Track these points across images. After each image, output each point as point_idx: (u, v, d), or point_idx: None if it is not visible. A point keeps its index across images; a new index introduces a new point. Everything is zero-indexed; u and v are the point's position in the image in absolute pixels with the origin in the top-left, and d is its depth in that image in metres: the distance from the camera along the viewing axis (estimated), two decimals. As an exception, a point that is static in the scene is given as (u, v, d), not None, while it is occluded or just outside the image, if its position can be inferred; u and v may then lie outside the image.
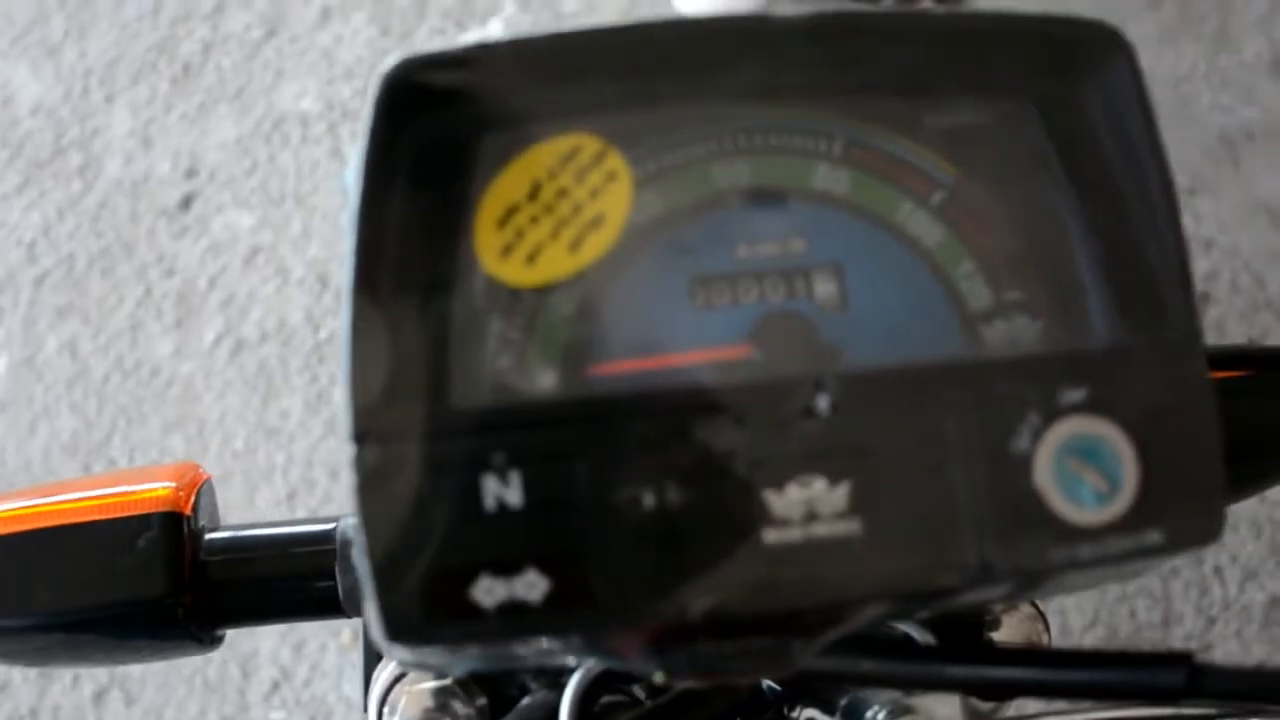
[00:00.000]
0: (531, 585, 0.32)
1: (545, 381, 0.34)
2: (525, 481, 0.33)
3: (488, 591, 0.32)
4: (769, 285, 0.36)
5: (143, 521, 0.48)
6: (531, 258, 0.34)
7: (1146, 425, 0.35)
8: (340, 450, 0.33)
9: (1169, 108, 2.18)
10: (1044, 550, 0.34)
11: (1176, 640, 1.72)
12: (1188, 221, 2.04)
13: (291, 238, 2.10)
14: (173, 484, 0.50)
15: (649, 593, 0.33)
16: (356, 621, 1.55)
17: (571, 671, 0.45)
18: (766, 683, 0.51)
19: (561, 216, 0.35)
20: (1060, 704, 0.50)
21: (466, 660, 0.36)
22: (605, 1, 2.33)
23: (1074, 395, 0.35)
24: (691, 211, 0.36)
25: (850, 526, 0.34)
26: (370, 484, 0.32)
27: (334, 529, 0.51)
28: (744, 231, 0.36)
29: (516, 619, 0.32)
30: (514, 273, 0.34)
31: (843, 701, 0.47)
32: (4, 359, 2.03)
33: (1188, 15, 2.29)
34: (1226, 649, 1.73)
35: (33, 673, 1.77)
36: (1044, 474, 0.35)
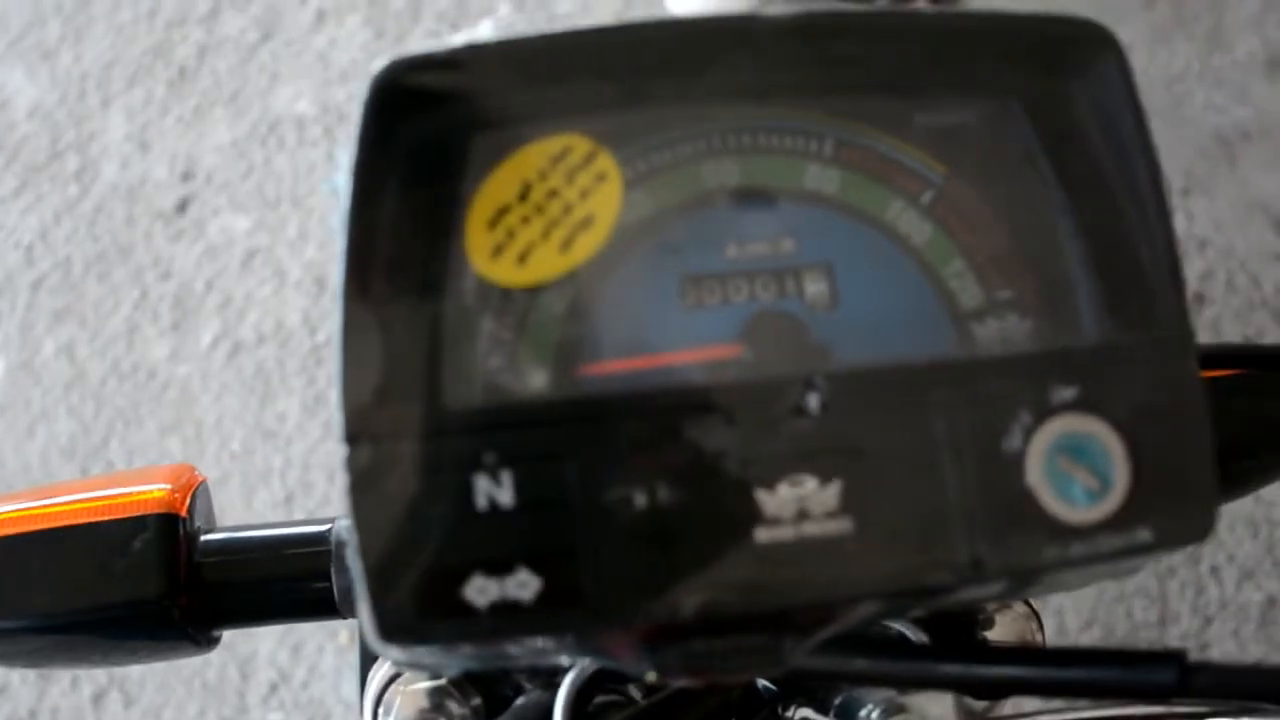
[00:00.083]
0: (523, 584, 0.32)
1: (536, 381, 0.34)
2: (517, 481, 0.33)
3: (480, 591, 0.32)
4: (759, 285, 0.36)
5: (138, 523, 0.48)
6: (522, 258, 0.34)
7: (1137, 423, 0.35)
8: (333, 447, 0.33)
9: (1163, 107, 2.18)
10: (1035, 548, 0.35)
11: (1173, 640, 1.72)
12: (1182, 221, 2.04)
13: (288, 240, 2.10)
14: (168, 486, 0.50)
15: (640, 592, 0.33)
16: (353, 622, 1.55)
17: (565, 671, 0.45)
18: (761, 682, 0.52)
19: (552, 217, 0.35)
20: (1055, 703, 0.50)
21: (460, 660, 0.36)
22: (600, 3, 2.34)
23: (1065, 394, 0.35)
24: (681, 211, 0.36)
25: (841, 525, 0.34)
26: (363, 484, 0.32)
27: (329, 530, 0.51)
28: (734, 231, 0.36)
29: (509, 618, 0.32)
30: (505, 273, 0.34)
31: (836, 700, 0.47)
32: (1, 362, 2.03)
33: (1181, 15, 2.30)
34: (1223, 649, 1.73)
35: (31, 675, 1.77)
36: (1035, 472, 0.35)
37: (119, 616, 0.48)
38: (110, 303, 2.07)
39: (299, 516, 1.88)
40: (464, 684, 0.48)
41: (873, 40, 0.36)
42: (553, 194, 0.35)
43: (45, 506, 0.49)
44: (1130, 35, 2.27)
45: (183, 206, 2.16)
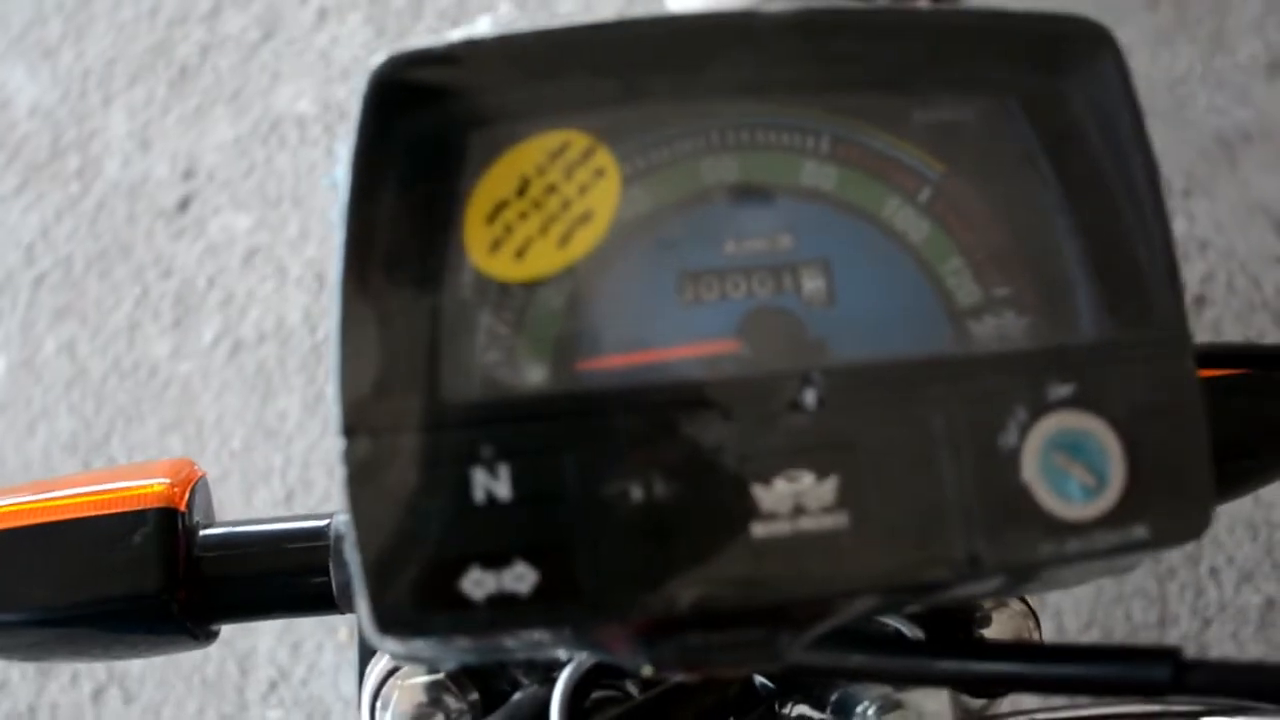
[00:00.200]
0: (520, 577, 0.32)
1: (534, 376, 0.34)
2: (514, 475, 0.33)
3: (477, 583, 0.32)
4: (757, 281, 0.36)
5: (138, 517, 0.48)
6: (520, 253, 0.35)
7: (1133, 421, 0.36)
8: (332, 443, 0.33)
9: (1164, 109, 2.18)
10: (1031, 545, 0.35)
11: (1172, 642, 1.72)
12: (1183, 223, 2.04)
13: (289, 238, 2.10)
14: (168, 480, 0.50)
15: (637, 585, 0.33)
16: (352, 619, 1.55)
17: (562, 666, 0.45)
18: (758, 679, 0.52)
19: (550, 212, 0.35)
20: (1053, 701, 0.50)
21: (457, 653, 0.37)
22: (602, 1, 2.34)
23: (1061, 390, 0.35)
24: (679, 207, 0.36)
25: (838, 520, 0.34)
26: (360, 477, 0.32)
27: (328, 525, 0.51)
28: (732, 227, 0.36)
29: (505, 611, 0.32)
30: (503, 268, 0.34)
31: (833, 697, 0.47)
32: (3, 360, 2.03)
33: (1184, 17, 2.30)
34: (1222, 650, 1.73)
35: (31, 670, 1.77)
36: (1031, 469, 0.35)
37: (118, 610, 0.48)
38: (111, 300, 2.07)
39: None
40: (461, 679, 0.49)
41: (871, 37, 0.36)
42: (551, 189, 0.35)
43: (45, 500, 0.49)
44: (1132, 37, 2.28)
45: (184, 205, 2.16)
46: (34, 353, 2.03)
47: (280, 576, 0.51)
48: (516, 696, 0.47)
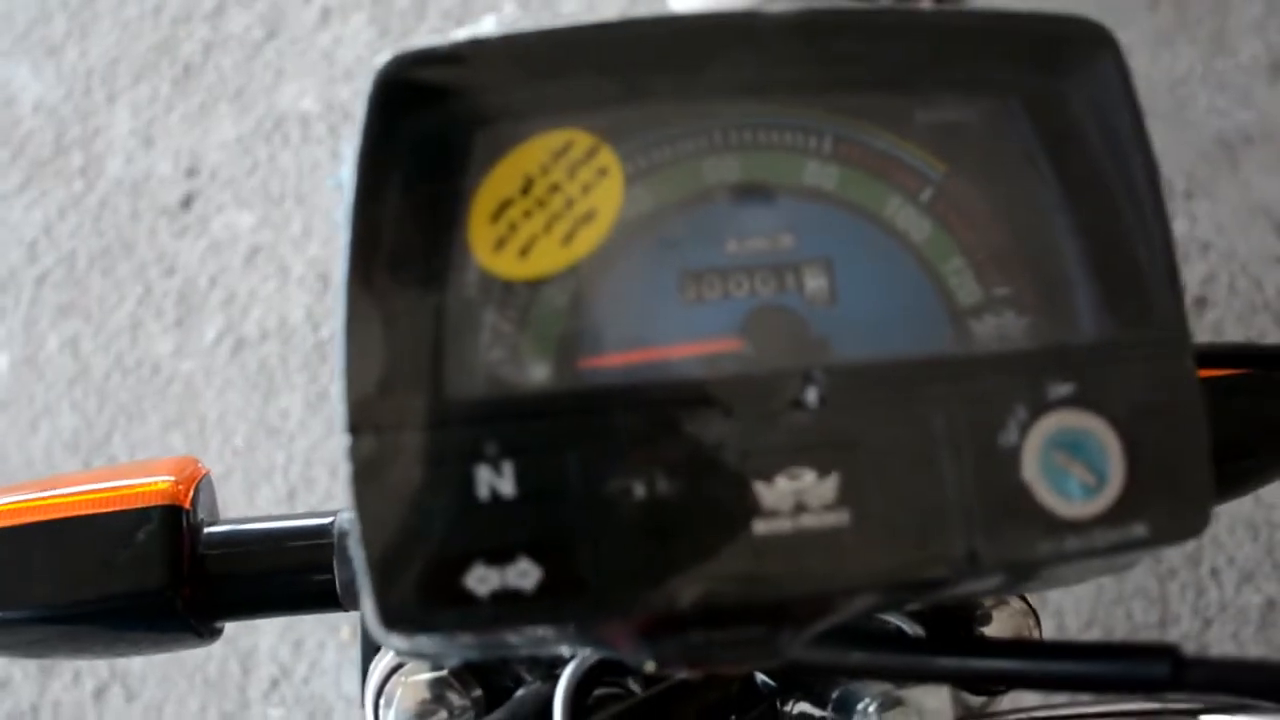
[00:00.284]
0: (524, 574, 0.33)
1: (538, 374, 0.34)
2: (518, 472, 0.33)
3: (481, 580, 0.32)
4: (759, 280, 0.36)
5: (142, 515, 0.48)
6: (524, 251, 0.35)
7: (1133, 420, 0.36)
8: (336, 441, 0.33)
9: (1165, 110, 2.18)
10: (1031, 542, 0.35)
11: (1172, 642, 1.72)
12: (1184, 224, 2.04)
13: (292, 237, 2.11)
14: (172, 478, 0.50)
15: (640, 582, 0.33)
16: (355, 617, 1.55)
17: (565, 663, 0.45)
18: (759, 677, 0.52)
19: (554, 211, 0.35)
20: (1056, 699, 0.50)
21: (461, 649, 0.37)
22: (604, 1, 2.34)
23: (1061, 390, 0.36)
24: (682, 206, 0.36)
25: (839, 518, 0.34)
26: (365, 474, 0.33)
27: (331, 523, 0.52)
28: (734, 226, 0.36)
29: (509, 607, 0.33)
30: (507, 266, 0.35)
31: (834, 694, 0.47)
32: (6, 357, 2.03)
33: (1184, 18, 2.30)
34: (1223, 650, 1.74)
35: (33, 669, 1.77)
36: (1031, 467, 0.35)
37: (122, 607, 0.48)
38: (114, 298, 2.07)
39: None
40: (464, 675, 0.49)
41: (873, 38, 0.37)
42: (555, 188, 0.35)
43: (50, 498, 0.50)
44: (1133, 37, 2.28)
45: (187, 202, 2.16)
46: (37, 350, 2.04)
47: (284, 574, 0.52)
48: (519, 693, 0.48)
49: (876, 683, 0.45)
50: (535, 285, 0.35)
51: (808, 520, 0.34)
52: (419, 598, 0.33)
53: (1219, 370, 0.52)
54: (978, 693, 0.51)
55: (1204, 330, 2.01)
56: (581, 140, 0.35)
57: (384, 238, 0.33)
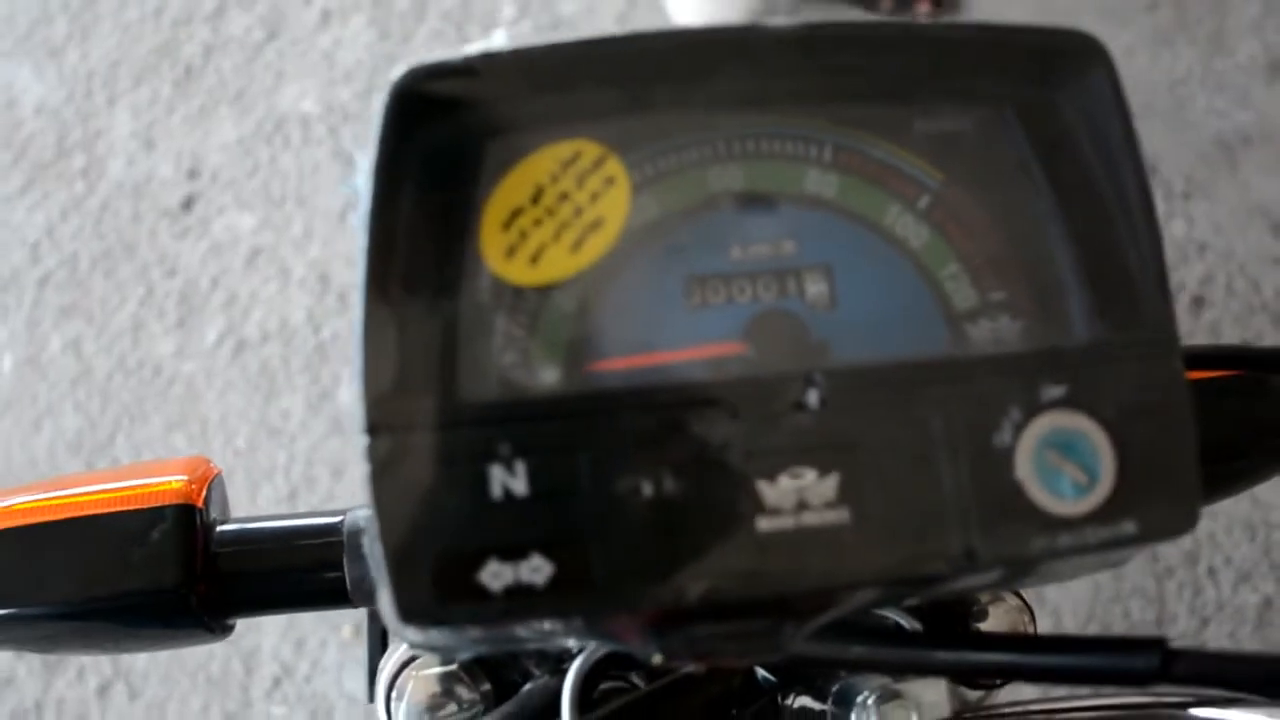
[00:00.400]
0: (536, 569, 0.34)
1: (548, 377, 0.35)
2: (530, 471, 0.34)
3: (495, 575, 0.33)
4: (762, 285, 0.37)
5: (157, 514, 0.49)
6: (535, 258, 0.36)
7: (1123, 421, 0.37)
8: (352, 443, 0.34)
9: (1164, 110, 2.19)
10: (1025, 539, 0.36)
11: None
12: (1182, 225, 2.05)
13: (293, 238, 2.11)
14: (185, 477, 0.51)
15: (647, 577, 0.34)
16: (358, 616, 1.55)
17: (572, 657, 0.46)
18: (760, 672, 0.53)
19: (563, 219, 0.36)
20: (1054, 692, 0.51)
21: (474, 642, 0.38)
22: (603, 4, 2.35)
23: (1054, 391, 0.37)
24: (687, 214, 0.37)
25: (839, 515, 0.35)
26: (382, 473, 0.33)
27: (341, 522, 0.52)
28: (738, 234, 0.37)
29: (522, 601, 0.34)
30: (518, 272, 0.36)
31: (834, 688, 0.48)
32: (9, 358, 2.04)
33: (1183, 18, 2.30)
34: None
35: (37, 666, 1.78)
36: (1025, 467, 0.36)
37: (137, 604, 0.49)
38: (116, 299, 2.08)
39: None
40: (474, 669, 0.49)
41: (872, 51, 0.38)
42: (564, 197, 0.36)
43: (65, 497, 0.50)
44: (1132, 38, 2.28)
45: (188, 204, 2.17)
46: (39, 350, 2.04)
47: (295, 572, 0.52)
48: (527, 687, 0.48)
49: (875, 676, 0.46)
50: (545, 291, 0.36)
51: (809, 518, 0.35)
52: (435, 592, 0.33)
53: (1212, 372, 0.53)
54: (974, 687, 0.52)
55: (1201, 331, 2.01)
56: (589, 150, 0.36)
57: (399, 245, 0.34)
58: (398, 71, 0.34)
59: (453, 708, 0.49)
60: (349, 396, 1.96)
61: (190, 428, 1.96)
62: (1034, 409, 0.36)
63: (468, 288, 0.35)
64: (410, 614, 0.34)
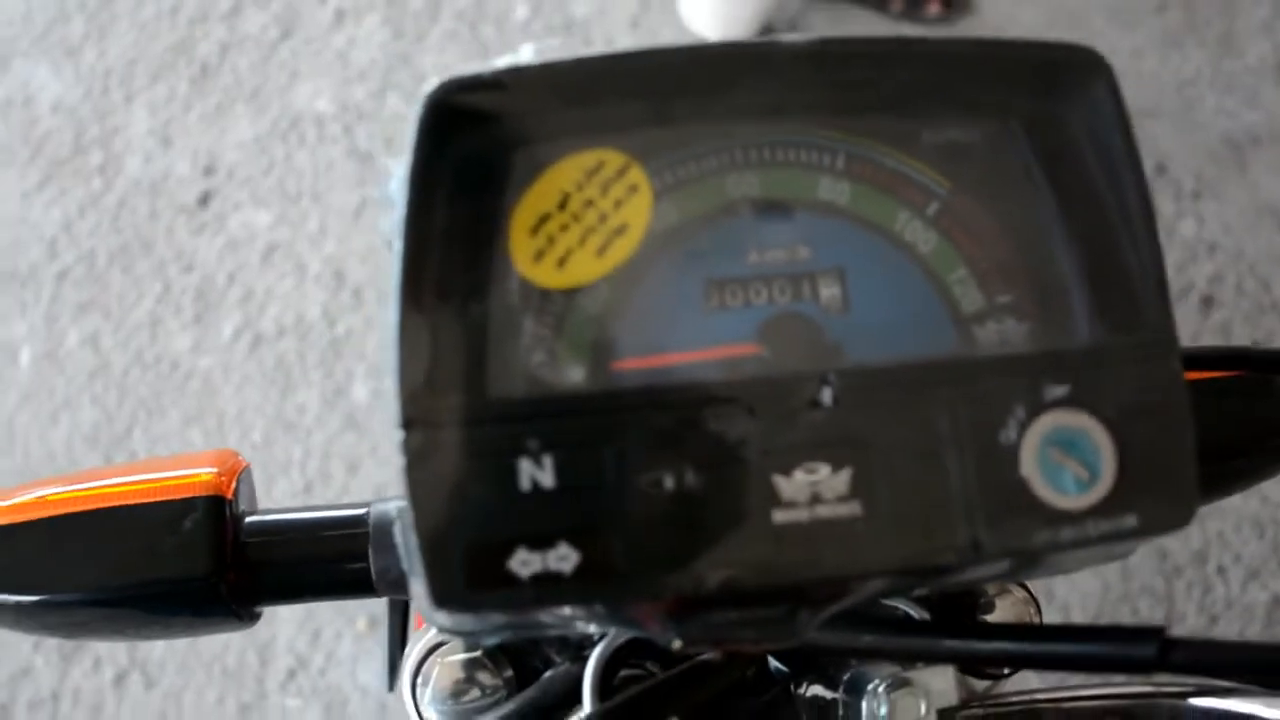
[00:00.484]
0: (563, 558, 0.35)
1: (574, 375, 0.37)
2: (557, 465, 0.36)
3: (524, 563, 0.35)
4: (777, 288, 0.39)
5: (188, 504, 0.50)
6: (562, 262, 0.37)
7: (1123, 419, 0.38)
8: (387, 438, 0.36)
9: (1174, 111, 2.19)
10: (1029, 532, 0.37)
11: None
12: (1192, 225, 2.05)
13: (308, 235, 2.12)
14: (215, 469, 0.52)
15: (668, 566, 0.36)
16: (372, 609, 1.57)
17: (593, 645, 0.47)
18: (774, 664, 0.54)
19: (588, 225, 0.38)
20: (1054, 682, 0.52)
21: (502, 627, 0.39)
22: (616, 6, 2.36)
23: (1057, 391, 0.38)
24: (706, 221, 0.39)
25: (852, 509, 0.37)
26: (417, 465, 0.35)
27: (366, 513, 0.53)
28: (754, 239, 0.39)
29: (549, 588, 0.35)
30: (546, 276, 0.37)
31: (845, 677, 0.49)
32: (27, 352, 2.05)
33: (1193, 20, 2.31)
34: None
35: (54, 656, 1.79)
36: (1029, 463, 0.38)
37: (168, 591, 0.50)
38: (133, 295, 2.09)
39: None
40: (497, 656, 0.50)
41: (883, 65, 0.39)
42: (589, 204, 0.38)
43: (99, 487, 0.51)
44: (1142, 40, 2.29)
45: (205, 201, 2.18)
46: (57, 345, 2.05)
47: (321, 561, 0.53)
48: (549, 673, 0.49)
49: (885, 665, 0.47)
50: (571, 293, 0.37)
51: (823, 511, 0.36)
52: (467, 579, 0.35)
53: (1215, 372, 0.54)
54: (981, 677, 0.53)
55: (1211, 330, 2.01)
56: (613, 159, 0.38)
57: (433, 249, 0.36)
58: (431, 84, 0.36)
59: (476, 693, 0.50)
60: (364, 393, 1.97)
61: (206, 422, 1.97)
62: (1038, 408, 0.38)
63: (498, 290, 0.37)
64: (443, 599, 0.35)
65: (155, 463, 0.53)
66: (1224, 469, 0.56)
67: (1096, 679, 0.49)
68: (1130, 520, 0.38)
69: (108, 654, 1.79)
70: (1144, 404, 0.39)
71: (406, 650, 0.52)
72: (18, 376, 2.03)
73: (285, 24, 2.38)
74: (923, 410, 0.38)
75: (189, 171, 2.21)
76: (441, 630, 0.50)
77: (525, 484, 0.36)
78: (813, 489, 0.37)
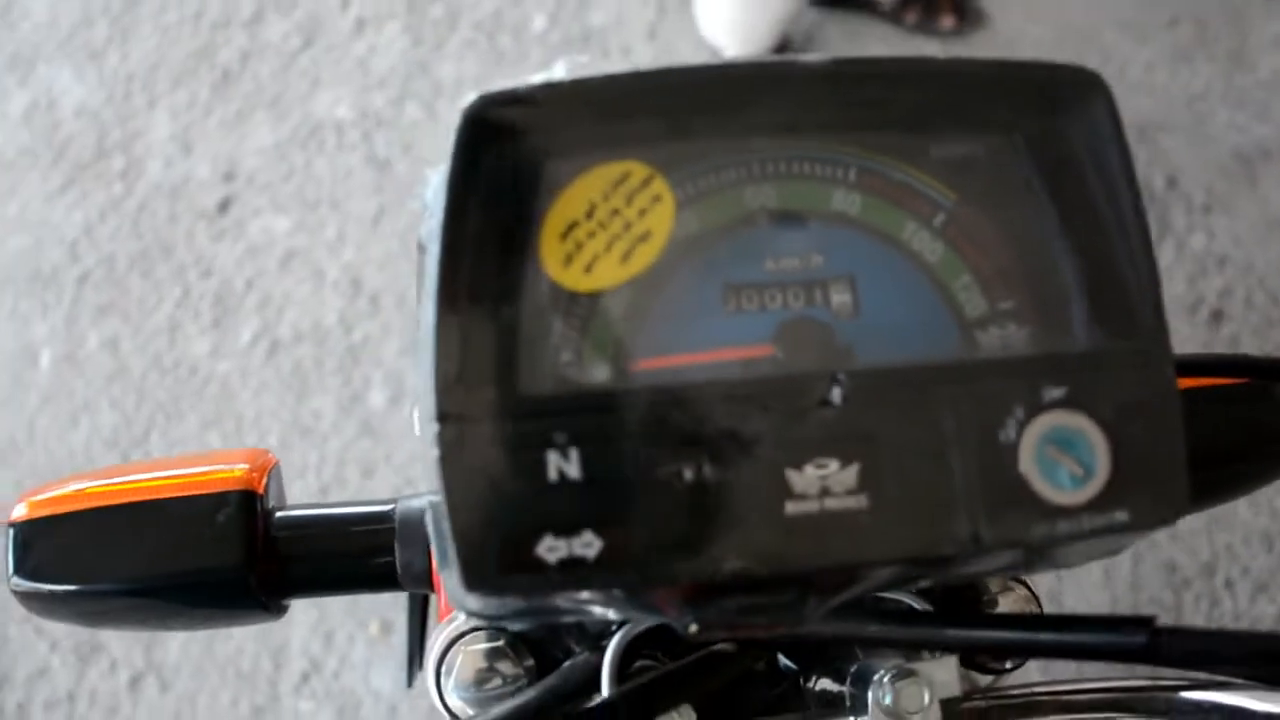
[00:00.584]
0: (588, 545, 0.37)
1: (599, 373, 0.39)
2: (583, 458, 0.38)
3: (551, 549, 0.37)
4: (791, 294, 0.41)
5: (221, 499, 0.52)
6: (589, 267, 0.39)
7: (1118, 420, 0.40)
8: (423, 431, 0.38)
9: (1185, 126, 2.20)
10: (1027, 525, 0.39)
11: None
12: (1202, 238, 2.06)
13: (327, 241, 2.14)
14: (247, 466, 0.54)
15: (686, 553, 0.38)
16: (385, 613, 1.58)
17: (611, 635, 0.49)
18: (783, 660, 0.56)
19: (614, 232, 0.40)
20: (1056, 677, 0.54)
21: (528, 611, 0.41)
22: (633, 16, 2.38)
23: (1055, 392, 0.40)
24: (725, 230, 0.41)
25: (859, 501, 0.39)
26: (450, 457, 0.37)
27: (392, 510, 0.56)
28: (771, 247, 0.41)
29: (574, 573, 0.37)
30: (574, 279, 0.39)
31: (851, 669, 0.51)
32: (47, 354, 2.07)
33: (1204, 34, 2.32)
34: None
35: (71, 657, 1.80)
36: (1027, 460, 0.40)
37: (200, 582, 0.52)
38: (153, 299, 2.11)
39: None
40: (518, 645, 0.52)
41: (894, 84, 0.41)
42: (615, 212, 0.40)
43: (134, 482, 0.53)
44: (1153, 54, 2.30)
45: (224, 206, 2.20)
46: (77, 347, 2.07)
47: (349, 556, 0.55)
48: (568, 662, 0.51)
49: (891, 657, 0.49)
50: (597, 296, 0.39)
51: (832, 503, 0.38)
52: (497, 564, 0.37)
53: (1218, 379, 0.55)
54: (984, 671, 0.55)
55: (1220, 343, 2.02)
56: (638, 171, 0.40)
57: (468, 253, 0.38)
58: (468, 99, 0.38)
59: (498, 681, 0.52)
60: (380, 399, 1.99)
61: (224, 426, 1.99)
62: (1037, 408, 0.40)
63: (529, 292, 0.39)
64: (475, 583, 0.37)
65: (189, 459, 0.55)
66: (1226, 474, 0.57)
67: (1096, 675, 0.51)
68: (1122, 515, 0.40)
69: (123, 656, 1.81)
70: (1137, 406, 0.41)
71: (430, 641, 0.54)
72: (38, 378, 2.05)
73: (307, 32, 2.40)
74: (927, 409, 0.40)
75: (209, 177, 2.23)
76: (470, 615, 0.51)
77: (553, 475, 0.38)
78: (822, 482, 0.39)
